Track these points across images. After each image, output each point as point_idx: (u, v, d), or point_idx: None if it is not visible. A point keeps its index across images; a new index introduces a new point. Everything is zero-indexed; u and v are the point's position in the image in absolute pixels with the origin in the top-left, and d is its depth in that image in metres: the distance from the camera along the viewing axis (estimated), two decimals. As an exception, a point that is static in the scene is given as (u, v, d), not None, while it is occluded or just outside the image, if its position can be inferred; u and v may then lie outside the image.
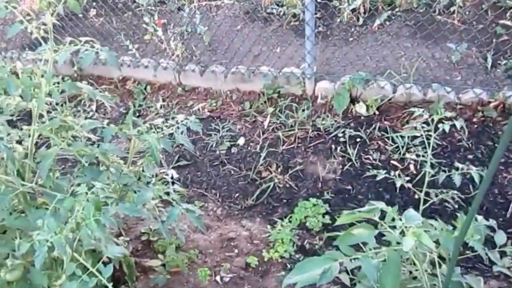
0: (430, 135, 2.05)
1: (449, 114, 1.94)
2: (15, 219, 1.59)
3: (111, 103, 1.79)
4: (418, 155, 1.92)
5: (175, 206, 1.84)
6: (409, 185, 2.07)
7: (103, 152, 1.85)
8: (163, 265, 2.37)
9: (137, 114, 3.83)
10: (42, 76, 1.70)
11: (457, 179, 1.88)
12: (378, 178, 1.85)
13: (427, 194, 1.83)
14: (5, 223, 1.60)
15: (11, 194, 1.60)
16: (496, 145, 2.97)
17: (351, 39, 3.88)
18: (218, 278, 2.38)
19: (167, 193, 1.95)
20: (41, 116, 1.79)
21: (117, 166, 1.95)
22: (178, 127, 1.96)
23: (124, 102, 3.96)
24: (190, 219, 1.85)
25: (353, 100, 3.32)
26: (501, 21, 3.73)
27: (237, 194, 3.00)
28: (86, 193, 1.53)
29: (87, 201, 1.52)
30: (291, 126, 3.29)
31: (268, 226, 2.71)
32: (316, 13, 4.24)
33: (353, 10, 3.97)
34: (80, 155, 1.78)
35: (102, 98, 1.90)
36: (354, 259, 1.07)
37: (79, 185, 1.66)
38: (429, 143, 1.95)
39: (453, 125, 2.18)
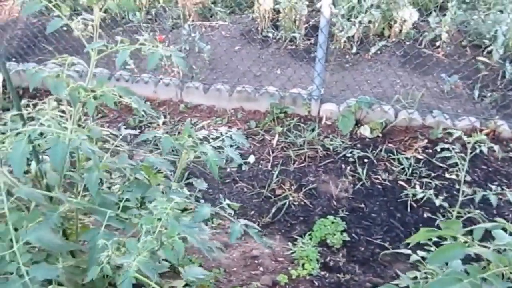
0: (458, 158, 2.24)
1: (484, 137, 2.16)
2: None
3: (157, 115, 1.71)
4: (457, 175, 2.09)
5: (235, 223, 1.79)
6: (445, 204, 2.23)
7: (148, 165, 1.76)
8: (187, 285, 2.31)
9: (138, 130, 3.75)
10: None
11: (493, 199, 2.10)
12: (416, 197, 1.97)
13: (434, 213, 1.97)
14: (47, 245, 1.37)
15: (58, 211, 1.44)
16: (489, 168, 3.27)
17: (347, 65, 4.10)
18: (246, 297, 2.37)
19: (222, 208, 1.93)
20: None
21: (163, 180, 1.90)
22: (223, 140, 1.88)
23: (122, 117, 3.86)
24: (252, 235, 1.84)
25: (357, 123, 3.50)
26: (479, 58, 4.14)
27: (252, 212, 3.02)
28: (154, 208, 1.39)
29: (167, 219, 1.39)
30: (301, 145, 3.40)
31: (289, 244, 2.75)
32: (310, 39, 4.45)
33: (347, 38, 4.20)
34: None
35: (148, 109, 1.82)
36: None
37: (127, 200, 1.58)
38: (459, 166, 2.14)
39: (441, 150, 2.40)
